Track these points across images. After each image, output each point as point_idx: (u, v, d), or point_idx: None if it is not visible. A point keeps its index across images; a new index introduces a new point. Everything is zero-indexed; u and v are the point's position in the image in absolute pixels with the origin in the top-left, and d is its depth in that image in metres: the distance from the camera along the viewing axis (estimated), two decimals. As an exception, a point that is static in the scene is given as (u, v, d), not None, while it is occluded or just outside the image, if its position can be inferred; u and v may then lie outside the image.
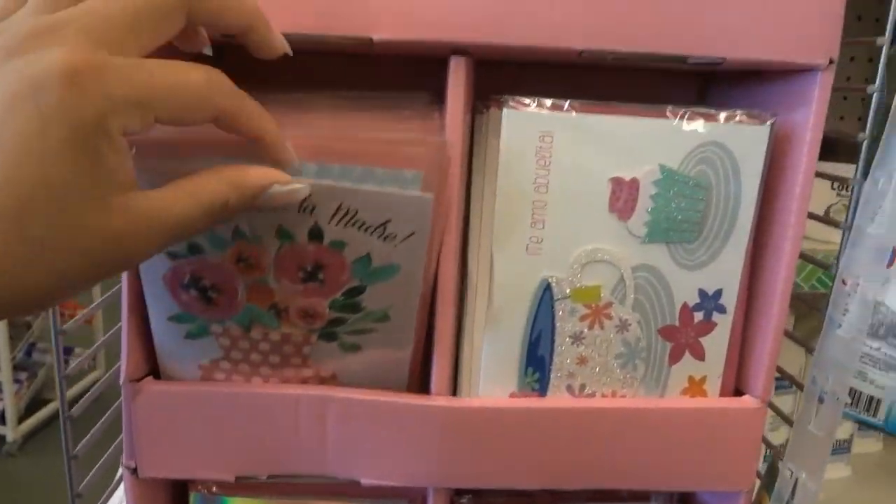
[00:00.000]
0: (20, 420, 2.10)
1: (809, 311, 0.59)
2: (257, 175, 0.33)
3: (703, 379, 0.47)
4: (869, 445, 0.98)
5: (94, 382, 0.46)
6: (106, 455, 0.51)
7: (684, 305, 0.45)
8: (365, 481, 0.46)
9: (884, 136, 0.41)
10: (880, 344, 0.41)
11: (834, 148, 0.46)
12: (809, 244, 0.71)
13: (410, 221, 0.37)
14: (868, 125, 0.45)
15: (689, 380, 0.47)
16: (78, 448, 0.49)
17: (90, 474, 0.51)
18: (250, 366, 0.44)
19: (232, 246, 0.39)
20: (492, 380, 0.45)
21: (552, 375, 0.46)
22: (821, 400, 0.42)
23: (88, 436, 0.50)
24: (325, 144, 0.36)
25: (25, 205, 0.27)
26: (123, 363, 0.43)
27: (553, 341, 0.45)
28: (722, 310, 0.46)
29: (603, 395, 0.46)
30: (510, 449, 0.45)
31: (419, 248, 0.39)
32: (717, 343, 0.46)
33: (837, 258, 0.43)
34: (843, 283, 0.43)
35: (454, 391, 0.46)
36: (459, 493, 0.50)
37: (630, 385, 0.46)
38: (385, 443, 0.45)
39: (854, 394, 0.43)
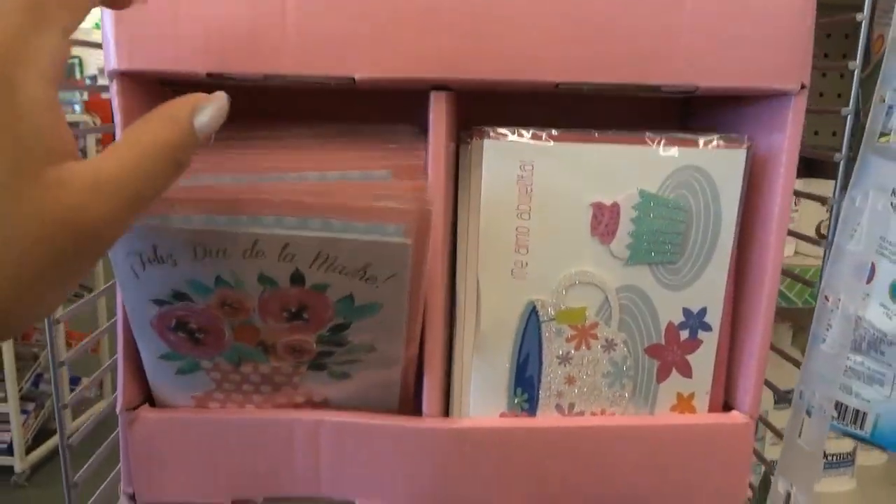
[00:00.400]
0: (28, 450, 2.06)
1: (805, 325, 0.60)
2: (182, 102, 0.30)
3: (692, 395, 0.48)
4: (873, 458, 0.99)
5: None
6: (105, 483, 0.52)
7: (669, 324, 0.46)
8: (360, 502, 0.47)
9: (859, 156, 0.41)
10: (863, 358, 0.42)
11: (820, 166, 0.46)
12: (803, 260, 0.71)
13: (390, 265, 0.38)
14: (844, 145, 0.45)
15: (677, 397, 0.47)
16: (78, 475, 0.50)
17: (90, 501, 0.52)
18: (243, 395, 0.45)
19: (215, 293, 0.39)
20: (482, 400, 0.46)
21: (541, 395, 0.47)
22: (808, 413, 0.43)
23: (87, 464, 0.51)
24: (306, 201, 0.36)
25: None
26: (120, 393, 0.44)
27: (541, 362, 0.46)
28: (707, 327, 0.46)
29: (592, 414, 0.47)
30: (502, 469, 0.46)
31: (401, 287, 0.39)
32: (704, 360, 0.47)
33: (821, 275, 0.44)
34: (826, 299, 0.43)
35: (446, 412, 0.47)
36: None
37: (619, 403, 0.47)
38: (378, 464, 0.46)
39: (840, 407, 0.44)
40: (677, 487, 0.47)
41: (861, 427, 0.43)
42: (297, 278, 0.39)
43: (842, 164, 0.44)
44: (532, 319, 0.45)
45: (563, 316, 0.45)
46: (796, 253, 0.75)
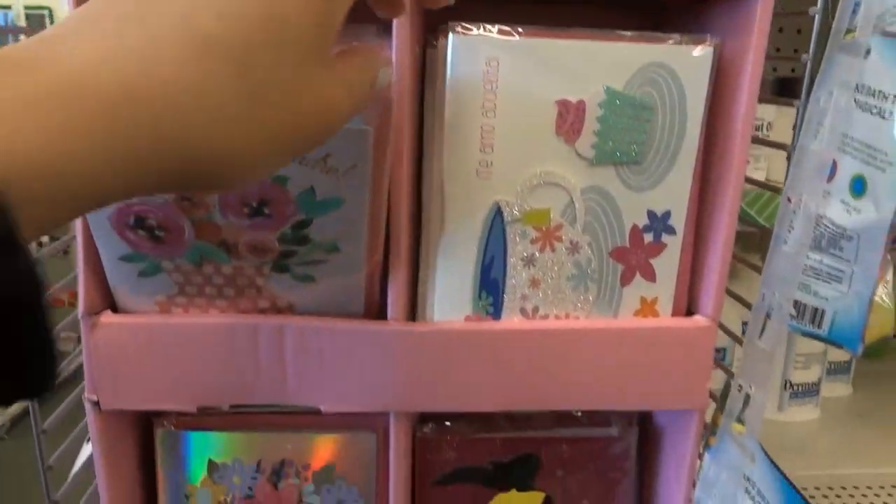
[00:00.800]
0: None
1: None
2: (377, 57, 0.31)
3: (655, 300, 0.48)
4: (838, 390, 1.02)
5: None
6: (77, 429, 0.52)
7: (634, 227, 0.46)
8: (325, 408, 0.47)
9: (825, 54, 0.41)
10: (822, 256, 0.42)
11: (795, 88, 0.46)
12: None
13: (350, 154, 0.37)
14: (811, 46, 0.45)
15: (640, 301, 0.48)
16: (47, 423, 0.50)
17: (61, 448, 0.52)
18: (206, 299, 0.45)
19: (176, 184, 0.38)
20: (447, 304, 0.46)
21: (505, 298, 0.47)
22: (768, 315, 0.44)
23: (57, 411, 0.50)
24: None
25: (249, 40, 0.23)
26: (81, 299, 0.44)
27: (505, 265, 0.46)
28: (671, 231, 0.47)
29: (556, 317, 0.47)
30: (467, 372, 0.46)
31: (362, 180, 0.39)
32: (668, 264, 0.47)
33: (786, 178, 0.44)
34: (788, 200, 0.44)
35: (413, 317, 0.47)
36: (423, 421, 0.52)
37: (583, 307, 0.47)
38: (343, 369, 0.46)
39: (799, 306, 0.45)
40: (640, 390, 0.48)
41: (819, 326, 0.44)
42: (260, 170, 0.38)
43: (808, 65, 0.44)
44: (497, 221, 0.45)
45: (528, 217, 0.45)
46: (768, 179, 0.76)
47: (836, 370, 1.01)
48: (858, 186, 0.40)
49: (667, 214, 0.46)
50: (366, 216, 0.41)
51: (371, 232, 0.42)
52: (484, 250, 0.46)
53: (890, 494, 0.84)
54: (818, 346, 0.94)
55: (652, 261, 0.47)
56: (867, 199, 0.39)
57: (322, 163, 0.38)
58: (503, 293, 0.47)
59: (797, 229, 0.42)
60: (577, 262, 0.46)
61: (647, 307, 0.48)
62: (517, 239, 0.45)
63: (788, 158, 0.44)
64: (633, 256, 0.47)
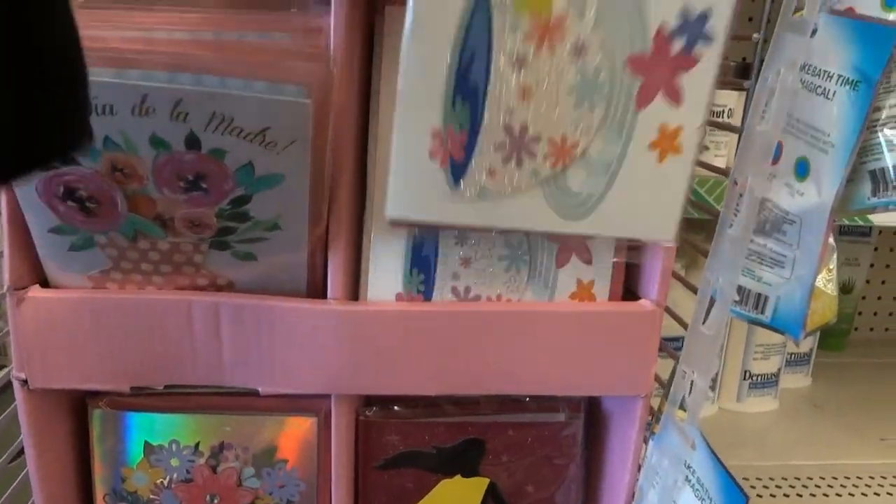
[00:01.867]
0: None
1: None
2: None
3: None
4: (797, 381, 1.03)
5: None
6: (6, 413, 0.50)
7: None
8: (263, 390, 0.46)
9: (774, 34, 0.41)
10: (766, 241, 0.42)
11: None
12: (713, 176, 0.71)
13: (289, 128, 0.36)
14: (762, 27, 0.45)
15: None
16: None
17: None
18: (142, 275, 0.44)
19: (104, 155, 0.37)
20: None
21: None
22: (712, 301, 0.43)
23: None
24: (201, 56, 0.34)
25: None
26: (5, 271, 0.42)
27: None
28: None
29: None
30: (404, 354, 0.45)
31: (302, 155, 0.38)
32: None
33: (732, 164, 0.44)
34: (735, 183, 0.43)
35: (356, 296, 0.46)
36: (368, 404, 0.51)
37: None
38: (281, 349, 0.45)
39: (742, 292, 0.44)
40: (583, 375, 0.47)
41: (762, 312, 0.43)
42: (193, 141, 0.37)
43: (758, 46, 0.44)
44: None
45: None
46: (728, 167, 0.76)
47: (795, 361, 1.01)
48: (802, 169, 0.39)
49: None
50: (306, 192, 0.40)
51: (312, 208, 0.41)
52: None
53: (843, 486, 0.85)
54: (778, 336, 0.94)
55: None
56: (810, 181, 0.39)
57: (260, 137, 0.37)
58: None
59: (742, 212, 0.42)
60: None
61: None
62: None
63: (738, 140, 0.44)
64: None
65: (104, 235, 0.41)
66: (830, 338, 1.09)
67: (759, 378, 0.96)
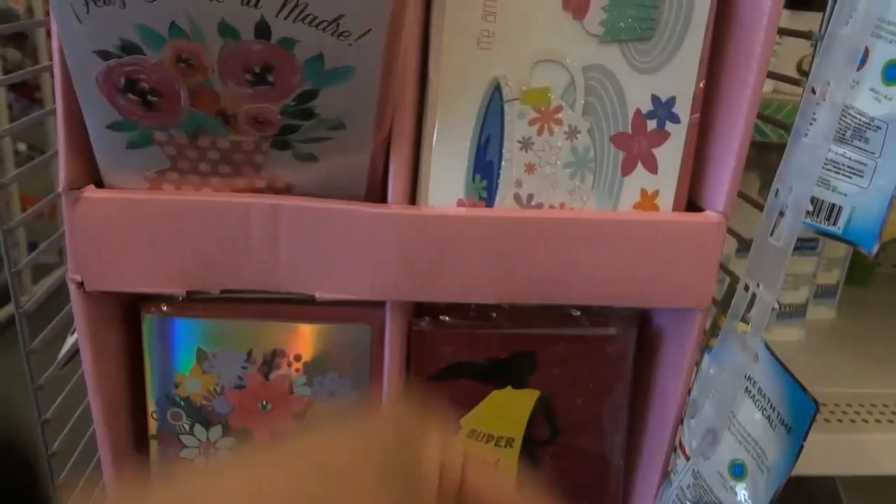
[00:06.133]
0: None
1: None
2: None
3: (656, 193, 0.47)
4: (823, 313, 1.02)
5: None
6: (61, 314, 0.50)
7: (637, 112, 0.44)
8: (319, 295, 0.45)
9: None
10: (845, 149, 0.41)
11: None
12: (780, 98, 0.70)
13: (366, 17, 0.35)
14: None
15: (641, 193, 0.46)
16: (36, 342, 0.48)
17: (50, 369, 0.50)
18: (200, 176, 0.43)
19: (170, 43, 0.36)
20: (440, 186, 0.45)
21: (500, 183, 0.45)
22: (781, 213, 0.42)
23: (44, 333, 0.48)
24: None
25: None
26: (62, 171, 0.41)
27: (501, 146, 0.44)
28: (675, 119, 0.45)
29: (551, 206, 0.46)
30: (464, 260, 0.45)
31: (375, 47, 0.36)
32: (671, 155, 0.46)
33: (809, 67, 0.42)
34: (813, 91, 0.42)
35: (414, 201, 0.45)
36: (418, 315, 0.50)
37: (579, 197, 0.46)
38: (339, 254, 0.44)
39: (815, 203, 0.43)
40: (642, 286, 0.46)
41: (834, 223, 0.43)
42: (263, 30, 0.35)
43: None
44: (495, 98, 0.43)
45: (527, 96, 0.43)
46: (775, 91, 0.74)
47: (822, 293, 1.01)
48: (891, 72, 0.38)
49: (671, 101, 0.44)
50: (376, 89, 0.38)
51: (380, 107, 0.39)
52: (480, 129, 0.44)
53: (870, 412, 0.86)
54: (808, 267, 0.94)
55: (654, 150, 0.46)
56: (900, 85, 0.38)
57: (334, 25, 0.35)
58: (498, 178, 0.45)
59: (820, 120, 0.40)
60: (574, 149, 0.45)
61: (647, 200, 0.47)
62: (514, 119, 0.44)
63: (814, 48, 0.42)
64: (635, 144, 0.45)
65: (164, 132, 0.40)
66: (857, 272, 1.09)
67: (788, 308, 0.96)
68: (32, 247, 2.07)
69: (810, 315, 0.99)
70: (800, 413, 0.40)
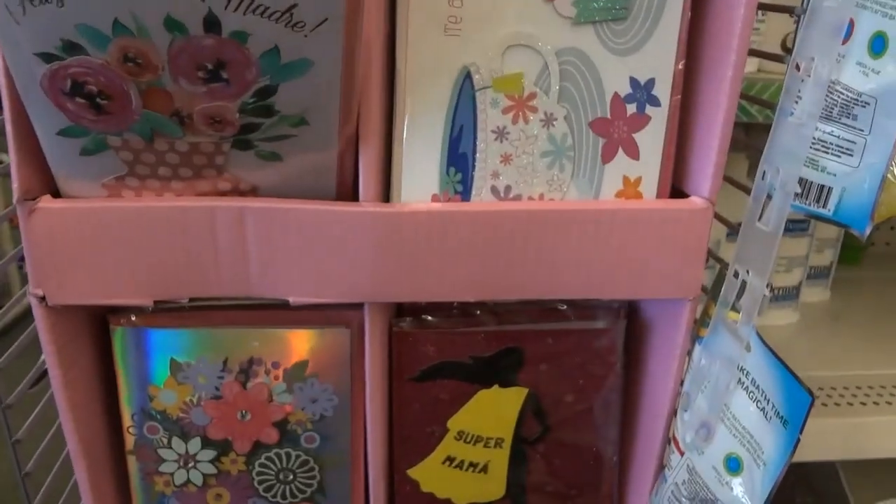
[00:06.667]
0: None
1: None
2: None
3: (639, 180, 0.45)
4: (817, 294, 1.01)
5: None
6: (27, 331, 0.48)
7: (615, 96, 0.43)
8: (293, 300, 0.44)
9: None
10: (833, 127, 0.39)
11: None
12: (765, 77, 0.68)
13: (320, 5, 0.33)
14: None
15: (623, 181, 0.45)
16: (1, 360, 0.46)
17: (18, 388, 0.48)
18: (160, 181, 0.41)
19: (114, 42, 0.34)
20: (413, 181, 0.43)
21: (475, 175, 0.43)
22: (769, 196, 0.40)
23: (11, 349, 0.47)
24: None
25: None
26: (14, 181, 0.39)
27: (475, 137, 0.42)
28: (655, 102, 0.43)
29: (530, 198, 0.44)
30: (441, 258, 0.43)
31: (333, 38, 0.34)
32: (653, 140, 0.44)
33: (792, 48, 0.40)
34: (797, 67, 0.40)
35: (388, 198, 0.43)
36: (399, 315, 0.49)
37: (559, 188, 0.44)
38: (311, 256, 0.42)
39: (803, 184, 0.41)
40: (628, 277, 0.45)
41: (824, 205, 0.41)
42: (213, 23, 0.33)
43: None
44: (466, 87, 0.41)
45: (499, 83, 0.41)
46: (759, 70, 0.72)
47: (815, 275, 0.99)
48: (879, 45, 0.36)
49: (650, 83, 0.43)
50: (338, 82, 0.36)
51: (344, 101, 0.37)
52: (452, 120, 0.42)
53: (867, 395, 0.84)
54: (800, 248, 0.92)
55: (635, 136, 0.44)
56: (888, 57, 0.36)
57: (287, 16, 0.33)
58: (473, 170, 0.43)
59: (805, 98, 0.39)
60: (552, 137, 0.43)
61: (630, 188, 0.45)
62: (487, 108, 0.42)
63: (797, 22, 0.40)
64: (615, 129, 0.43)
65: (118, 136, 0.38)
66: (848, 251, 1.08)
67: (781, 291, 0.95)
68: (22, 258, 2.03)
69: (804, 297, 0.97)
70: (795, 405, 0.39)
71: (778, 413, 0.40)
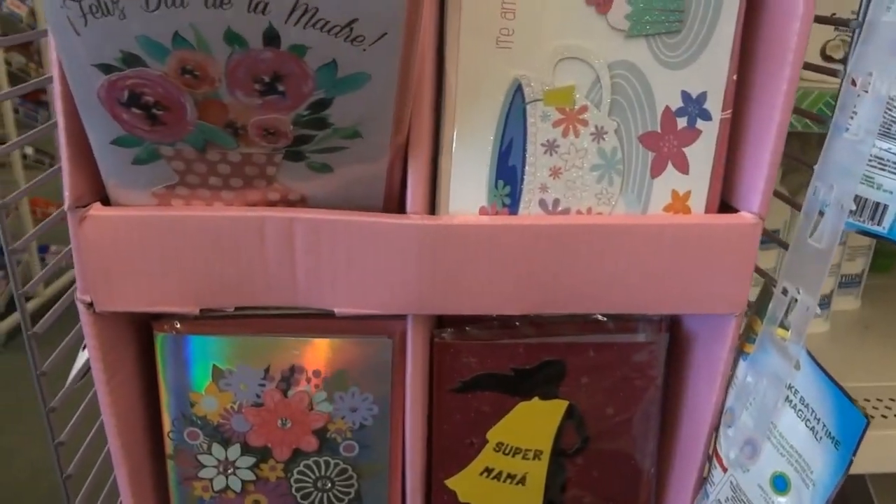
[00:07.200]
0: (1, 318, 1.99)
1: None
2: None
3: (688, 194, 0.44)
4: (848, 303, 1.00)
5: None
6: (71, 334, 0.48)
7: (666, 109, 0.42)
8: (339, 311, 0.44)
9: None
10: (890, 144, 0.38)
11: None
12: (804, 85, 0.67)
13: (381, 20, 0.33)
14: None
15: (672, 195, 0.44)
16: (38, 326, 0.46)
17: (54, 353, 0.49)
18: (210, 190, 0.41)
19: (173, 54, 0.34)
20: (461, 193, 0.43)
21: (524, 188, 0.43)
22: (821, 213, 0.40)
23: (55, 353, 0.47)
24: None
25: None
26: (66, 189, 0.39)
27: (525, 150, 0.42)
28: (707, 116, 0.43)
29: (578, 212, 0.44)
30: (488, 271, 0.43)
31: (392, 51, 0.34)
32: (703, 154, 0.43)
33: (844, 61, 0.40)
34: (853, 83, 0.39)
35: (433, 210, 0.43)
36: (440, 327, 0.48)
37: (607, 202, 0.43)
38: (357, 267, 0.42)
39: (858, 201, 0.41)
40: (674, 292, 0.44)
41: (879, 222, 0.40)
42: (272, 37, 0.33)
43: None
44: (517, 99, 0.41)
45: (550, 96, 0.41)
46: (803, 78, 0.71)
47: (846, 283, 0.98)
48: (942, 62, 0.36)
49: (702, 97, 0.42)
50: (393, 95, 0.36)
51: (397, 113, 0.37)
52: (502, 133, 0.42)
53: (888, 407, 0.84)
54: (833, 257, 0.91)
55: (685, 150, 0.43)
56: (952, 75, 0.35)
57: (347, 30, 0.33)
58: (522, 183, 0.43)
59: (862, 114, 0.38)
60: (601, 151, 0.42)
61: (679, 202, 0.44)
62: (538, 121, 0.41)
63: (853, 36, 0.40)
64: (665, 143, 0.43)
65: (171, 146, 0.38)
66: (879, 258, 1.06)
67: (812, 300, 0.94)
68: (42, 249, 2.07)
69: (835, 306, 0.96)
70: (848, 426, 0.38)
71: (829, 433, 0.40)
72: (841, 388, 0.39)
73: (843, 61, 0.41)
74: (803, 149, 0.71)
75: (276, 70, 0.35)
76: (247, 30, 0.33)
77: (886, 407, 0.82)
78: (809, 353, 0.41)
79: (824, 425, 0.40)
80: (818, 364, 0.41)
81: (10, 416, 1.63)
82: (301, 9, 0.32)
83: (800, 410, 0.42)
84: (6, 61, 1.96)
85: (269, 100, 0.36)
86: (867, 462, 0.78)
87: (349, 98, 0.36)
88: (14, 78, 2.12)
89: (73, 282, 0.43)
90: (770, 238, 0.48)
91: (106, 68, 0.34)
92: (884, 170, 0.39)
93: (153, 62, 0.34)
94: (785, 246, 0.44)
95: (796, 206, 0.44)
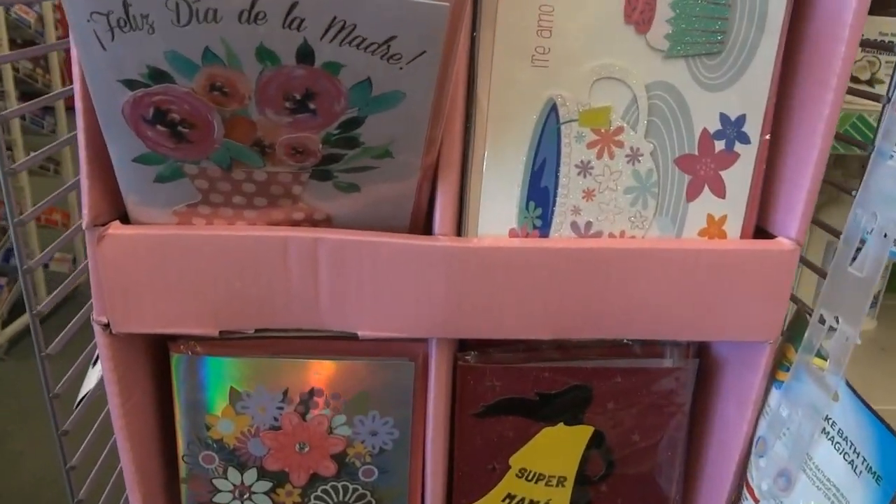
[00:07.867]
0: (4, 325, 1.98)
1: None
2: None
3: (724, 218, 0.43)
4: (865, 323, 0.99)
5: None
6: (83, 355, 0.47)
7: (704, 132, 0.41)
8: (362, 334, 0.42)
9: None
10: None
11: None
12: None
13: (420, 38, 0.32)
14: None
15: (707, 219, 0.43)
16: (51, 347, 0.45)
17: (66, 376, 0.47)
18: (233, 209, 0.39)
19: (203, 71, 0.32)
20: (491, 215, 0.41)
21: (556, 211, 0.42)
22: (862, 241, 0.39)
23: (60, 336, 0.45)
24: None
25: None
26: (85, 207, 0.38)
27: (558, 171, 0.41)
28: (745, 139, 0.42)
29: (611, 235, 0.42)
30: (517, 295, 0.41)
31: (429, 70, 0.33)
32: (740, 178, 0.42)
33: (889, 88, 0.39)
34: (896, 110, 0.38)
35: (459, 232, 0.42)
36: (463, 349, 0.47)
37: (641, 225, 0.42)
38: (383, 289, 0.41)
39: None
40: (707, 318, 0.43)
41: (919, 250, 0.39)
42: (306, 54, 0.32)
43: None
44: (551, 119, 0.40)
45: (585, 117, 0.40)
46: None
47: (863, 303, 0.97)
48: None
49: (741, 119, 0.41)
50: (427, 115, 0.35)
51: (430, 133, 0.36)
52: (535, 153, 0.41)
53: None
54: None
55: (722, 173, 0.42)
56: None
57: (385, 48, 0.32)
58: (554, 205, 0.42)
59: (908, 141, 0.37)
60: (636, 173, 0.41)
61: (714, 226, 0.43)
62: (572, 142, 0.40)
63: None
64: (702, 166, 0.42)
65: (195, 165, 0.37)
66: (895, 279, 1.05)
67: (829, 321, 0.93)
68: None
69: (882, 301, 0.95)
70: (891, 461, 0.37)
71: (869, 468, 0.38)
72: (883, 422, 0.38)
73: (870, 82, 0.40)
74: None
75: (309, 88, 0.33)
76: (280, 46, 0.32)
77: (904, 430, 0.81)
78: (849, 384, 0.40)
79: (864, 459, 0.39)
80: (859, 396, 0.39)
81: (15, 422, 1.61)
82: (338, 25, 0.31)
83: (837, 443, 0.41)
84: (13, 67, 1.95)
85: (299, 118, 0.35)
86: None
87: (382, 117, 0.35)
88: (21, 83, 2.11)
89: (75, 290, 0.42)
90: (804, 263, 0.47)
91: (131, 84, 0.33)
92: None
93: (181, 78, 0.33)
94: (823, 274, 0.43)
95: (834, 232, 0.43)
